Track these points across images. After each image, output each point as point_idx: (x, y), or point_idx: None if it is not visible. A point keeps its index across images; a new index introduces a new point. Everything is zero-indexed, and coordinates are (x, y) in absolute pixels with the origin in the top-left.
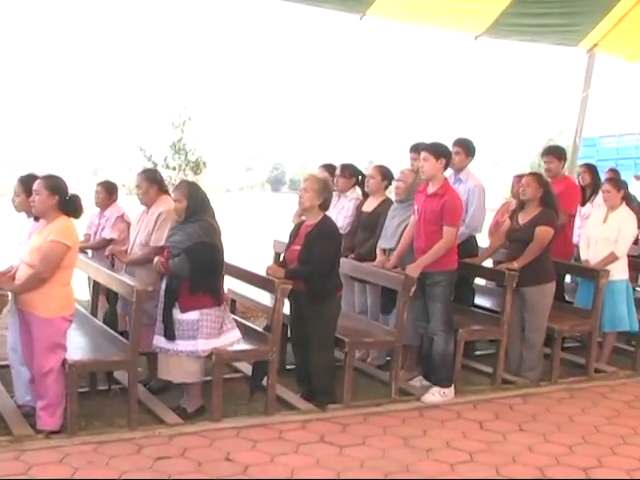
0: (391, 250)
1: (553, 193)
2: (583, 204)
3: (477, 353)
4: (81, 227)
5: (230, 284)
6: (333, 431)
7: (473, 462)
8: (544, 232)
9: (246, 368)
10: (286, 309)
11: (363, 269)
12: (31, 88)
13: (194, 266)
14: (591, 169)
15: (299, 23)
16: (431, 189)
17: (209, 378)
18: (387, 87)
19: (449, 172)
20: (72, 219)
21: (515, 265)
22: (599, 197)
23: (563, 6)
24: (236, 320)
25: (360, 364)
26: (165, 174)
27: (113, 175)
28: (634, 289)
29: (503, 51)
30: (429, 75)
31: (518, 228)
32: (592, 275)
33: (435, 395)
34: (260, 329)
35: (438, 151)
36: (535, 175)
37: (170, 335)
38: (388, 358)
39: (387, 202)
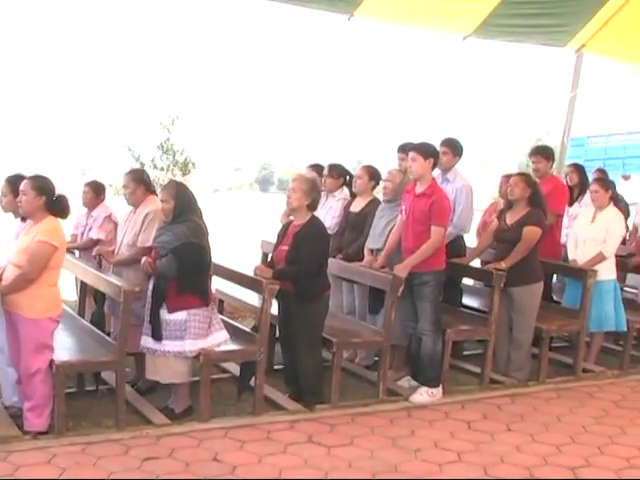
0: (379, 250)
1: (541, 193)
2: (571, 204)
3: (465, 353)
4: (68, 227)
5: (218, 284)
6: (321, 431)
7: (461, 462)
8: (532, 232)
9: (234, 368)
10: (274, 309)
11: (351, 269)
12: (18, 88)
13: (181, 266)
14: (579, 169)
15: (288, 23)
16: (419, 189)
17: (197, 378)
18: (375, 87)
19: (436, 172)
20: (59, 219)
21: (503, 265)
22: (587, 197)
23: (551, 7)
24: (224, 320)
25: (348, 364)
26: (153, 174)
27: (101, 175)
28: (622, 289)
29: (491, 52)
30: (417, 75)
31: (506, 228)
32: (580, 275)
33: (423, 395)
34: (248, 329)
35: (426, 151)
36: (523, 175)
37: (158, 335)
38: (376, 358)
39: (375, 202)
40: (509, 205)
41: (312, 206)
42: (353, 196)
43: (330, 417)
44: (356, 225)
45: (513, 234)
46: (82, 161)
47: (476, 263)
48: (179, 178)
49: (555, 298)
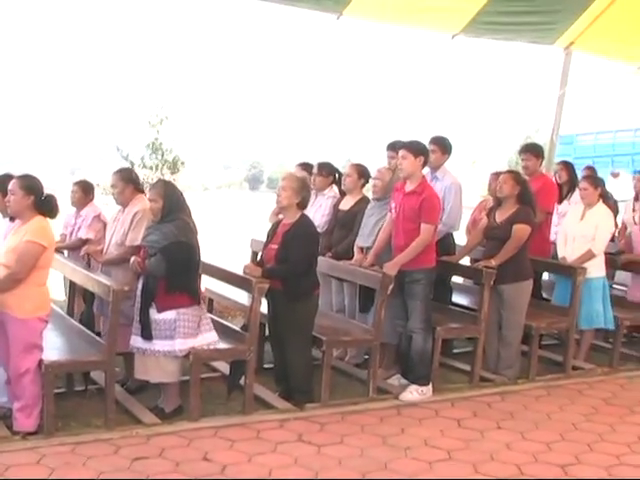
0: (368, 248)
1: (530, 191)
2: (560, 202)
3: (455, 351)
4: (57, 227)
5: (207, 283)
6: (311, 430)
7: (451, 460)
8: (521, 230)
9: (224, 367)
10: (264, 308)
11: (341, 267)
12: (6, 88)
13: (170, 266)
14: (568, 167)
15: (276, 23)
16: (409, 187)
17: (187, 378)
18: (365, 86)
19: (425, 170)
20: (48, 219)
21: (492, 263)
22: (576, 194)
23: (539, 4)
24: (213, 319)
25: (338, 363)
26: (142, 174)
27: (90, 175)
28: (611, 286)
29: (480, 50)
30: (407, 74)
31: (495, 226)
32: (569, 272)
33: (413, 393)
34: (237, 328)
35: (417, 149)
36: (512, 173)
37: (147, 335)
38: (366, 357)
39: (364, 200)
40: (498, 203)
41: (302, 205)
42: (342, 194)
43: (320, 416)
44: (345, 223)
45: (502, 232)
46: (71, 160)
47: (466, 261)
48: (168, 177)
49: (545, 296)
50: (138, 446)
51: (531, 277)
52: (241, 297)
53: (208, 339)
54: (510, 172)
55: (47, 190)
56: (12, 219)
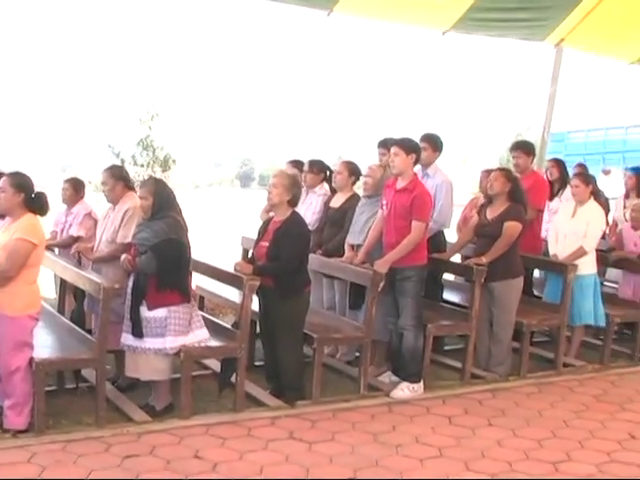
0: (359, 246)
1: (521, 188)
2: (551, 199)
3: (446, 348)
4: (48, 225)
5: (198, 281)
6: (302, 427)
7: (442, 457)
8: (512, 227)
9: (215, 365)
10: (255, 305)
11: (331, 265)
12: None
13: (161, 263)
14: (559, 164)
15: (267, 19)
16: (400, 184)
17: (177, 375)
18: (355, 83)
19: (417, 167)
20: (38, 216)
21: (483, 260)
22: (567, 191)
23: (530, 1)
24: (204, 317)
25: (329, 360)
26: (133, 171)
27: (81, 172)
28: (602, 283)
29: (471, 47)
30: (398, 71)
31: (486, 223)
32: (560, 270)
33: (404, 390)
34: (228, 326)
35: (408, 146)
36: (503, 170)
37: (138, 333)
38: (357, 354)
39: (354, 198)
40: (489, 200)
41: (293, 202)
42: (333, 192)
43: (311, 413)
44: (336, 221)
45: (493, 229)
46: (62, 158)
47: (457, 258)
48: (159, 175)
49: (536, 293)
50: (129, 444)
51: (522, 274)
52: (232, 295)
53: (199, 336)
54: (501, 169)
55: (38, 187)
56: (2, 217)
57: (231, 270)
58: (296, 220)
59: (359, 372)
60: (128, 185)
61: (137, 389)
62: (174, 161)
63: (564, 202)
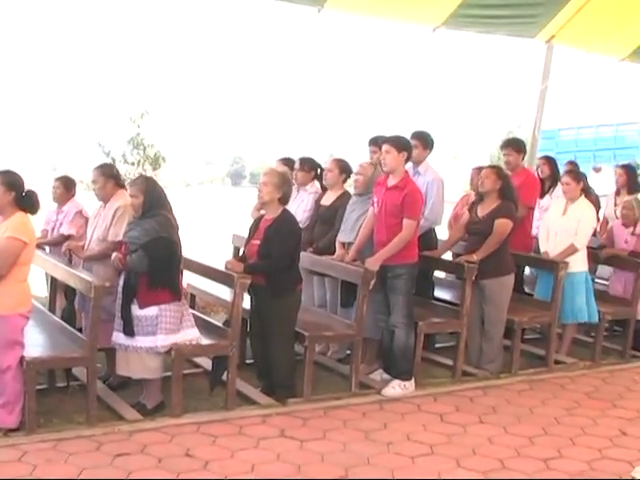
0: (350, 244)
1: (512, 185)
2: (542, 196)
3: (437, 346)
4: (38, 223)
5: (189, 279)
6: (293, 425)
7: (434, 454)
8: (503, 225)
9: (206, 363)
10: (246, 303)
11: (323, 263)
12: None
13: (152, 262)
14: (550, 161)
15: (258, 16)
16: (392, 182)
17: (169, 374)
18: (346, 80)
19: (407, 165)
20: (29, 215)
21: (474, 258)
22: (558, 189)
23: None
24: (195, 315)
25: (320, 358)
26: (124, 169)
27: (72, 170)
28: (593, 280)
29: (462, 44)
30: (388, 68)
31: (477, 221)
32: (551, 267)
33: (395, 388)
34: (220, 324)
35: (400, 144)
36: (494, 167)
37: (129, 331)
38: (348, 352)
39: (345, 195)
40: (480, 197)
41: (283, 200)
42: (324, 190)
43: (302, 411)
44: (327, 219)
45: (484, 227)
46: (53, 156)
47: (448, 256)
48: (150, 173)
49: (527, 290)
50: (120, 442)
51: (513, 272)
52: (223, 293)
53: (190, 335)
54: (492, 167)
55: (28, 186)
56: None
57: (222, 268)
58: (287, 218)
59: (350, 370)
60: (119, 183)
61: (128, 387)
62: (164, 159)
63: (555, 200)
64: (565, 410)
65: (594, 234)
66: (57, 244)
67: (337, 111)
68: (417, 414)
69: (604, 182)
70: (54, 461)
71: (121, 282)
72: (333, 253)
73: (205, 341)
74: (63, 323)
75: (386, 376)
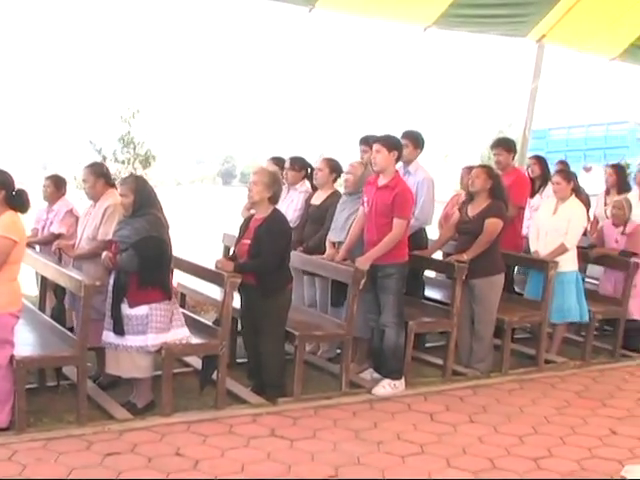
0: (340, 243)
1: (502, 185)
2: (532, 196)
3: (427, 345)
4: (28, 222)
5: (180, 278)
6: (284, 425)
7: (424, 454)
8: (493, 224)
9: (196, 362)
10: (236, 302)
11: (313, 262)
12: None
13: (142, 261)
14: (541, 161)
15: (249, 16)
16: (382, 181)
17: (159, 373)
18: (337, 80)
19: (398, 165)
20: (19, 214)
21: (464, 257)
22: (548, 188)
23: None
24: (186, 314)
25: (310, 357)
26: (114, 168)
27: (63, 169)
28: (583, 280)
29: (453, 43)
30: (379, 68)
31: (467, 220)
32: (541, 266)
33: (386, 387)
34: (210, 323)
35: (390, 143)
36: (484, 167)
37: (119, 330)
38: (338, 351)
39: (335, 195)
40: (470, 197)
41: (273, 199)
42: (315, 189)
43: (293, 410)
44: (317, 218)
45: (474, 226)
46: (43, 155)
47: (438, 255)
48: (140, 172)
49: (517, 290)
50: (110, 442)
51: (503, 271)
52: (213, 292)
53: (180, 334)
54: (482, 166)
55: (18, 185)
56: None
57: (212, 267)
58: (277, 217)
59: (340, 369)
60: (109, 182)
61: (118, 387)
62: (154, 157)
63: (545, 199)
64: (555, 409)
65: (584, 234)
66: (47, 243)
67: (328, 110)
68: (407, 413)
69: (594, 182)
70: (44, 460)
71: (111, 281)
72: (323, 252)
73: (195, 340)
74: (53, 322)
75: (376, 375)
